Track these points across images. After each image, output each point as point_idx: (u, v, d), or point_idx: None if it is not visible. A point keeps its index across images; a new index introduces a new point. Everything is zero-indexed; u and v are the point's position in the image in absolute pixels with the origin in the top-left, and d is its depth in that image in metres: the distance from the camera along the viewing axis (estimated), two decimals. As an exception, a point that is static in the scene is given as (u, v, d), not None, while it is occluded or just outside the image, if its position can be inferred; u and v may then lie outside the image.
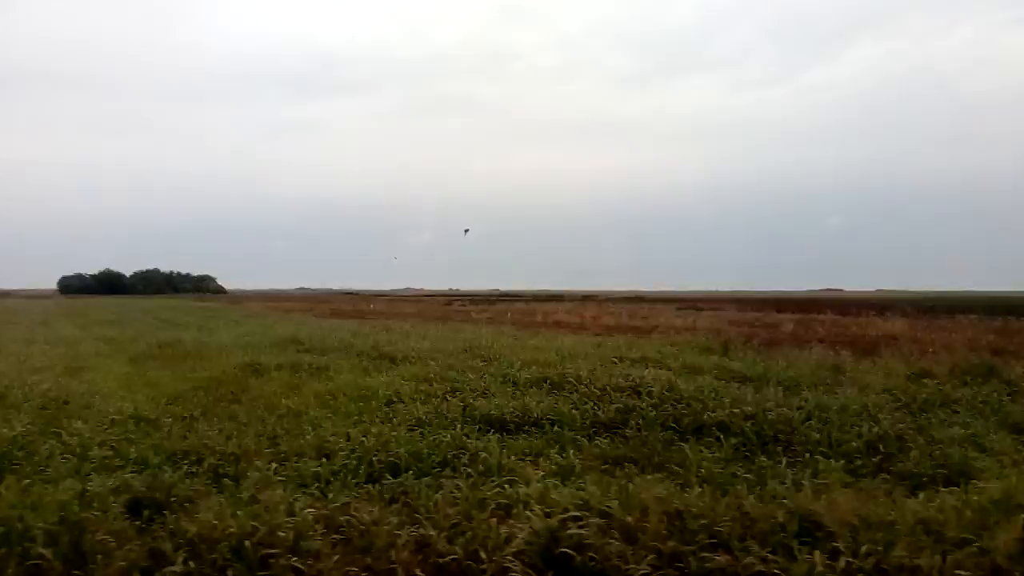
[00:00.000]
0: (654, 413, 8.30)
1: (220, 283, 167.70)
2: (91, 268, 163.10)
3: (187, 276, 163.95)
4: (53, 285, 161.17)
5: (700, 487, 5.38)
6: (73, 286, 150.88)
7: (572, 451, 6.96)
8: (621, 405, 8.73)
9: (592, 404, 9.07)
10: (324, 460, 6.51)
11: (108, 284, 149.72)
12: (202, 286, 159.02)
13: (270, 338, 20.44)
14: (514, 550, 4.21)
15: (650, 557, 4.10)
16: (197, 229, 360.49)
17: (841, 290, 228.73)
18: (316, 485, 5.76)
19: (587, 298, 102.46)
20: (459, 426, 8.00)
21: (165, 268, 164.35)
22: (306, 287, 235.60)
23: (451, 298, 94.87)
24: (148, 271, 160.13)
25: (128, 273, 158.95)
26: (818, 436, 7.38)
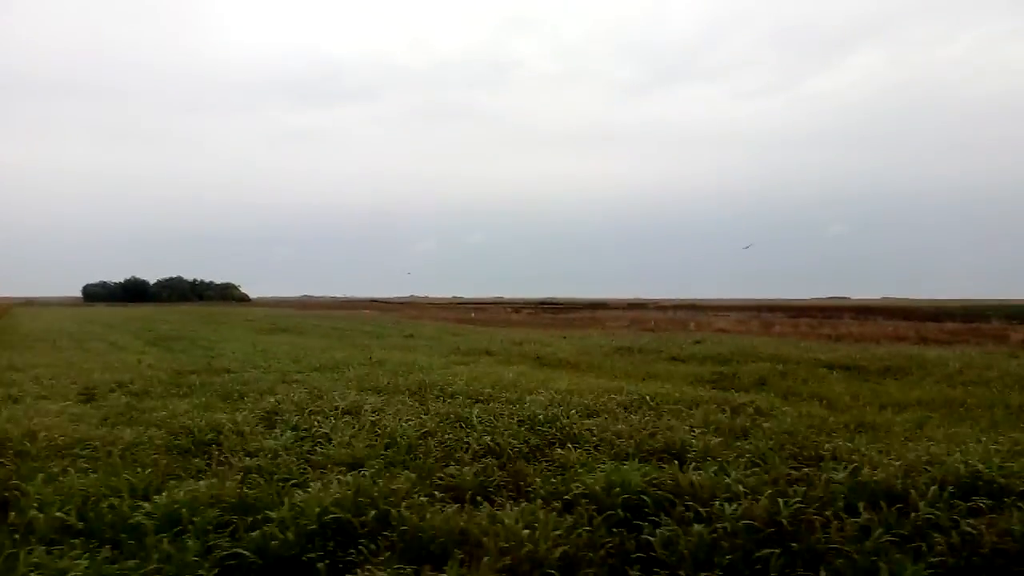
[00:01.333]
0: None
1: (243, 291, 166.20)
2: (97, 275, 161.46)
3: (210, 284, 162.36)
4: (74, 293, 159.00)
5: None
6: (99, 294, 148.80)
7: None
8: None
9: None
10: None
11: (134, 291, 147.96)
12: (227, 294, 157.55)
13: (598, 345, 20.71)
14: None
15: None
16: (198, 236, 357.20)
17: (848, 298, 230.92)
18: None
19: (633, 306, 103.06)
20: None
21: (187, 276, 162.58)
22: (310, 295, 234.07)
23: (515, 306, 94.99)
24: (171, 279, 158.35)
25: (151, 280, 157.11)
26: None
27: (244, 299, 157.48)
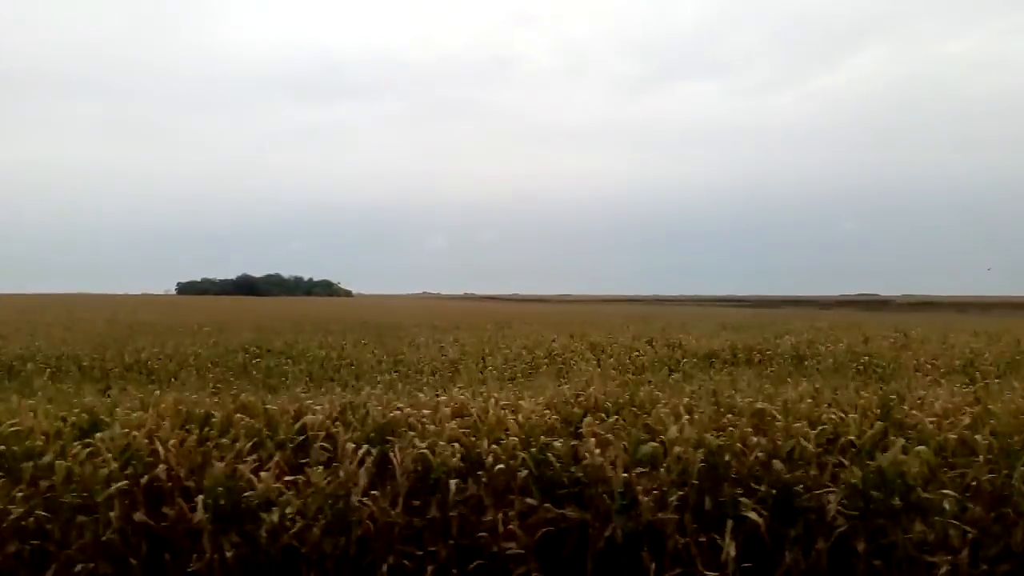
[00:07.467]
0: None
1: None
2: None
3: (310, 281, 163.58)
4: (162, 290, 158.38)
5: None
6: (208, 290, 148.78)
7: None
8: None
9: None
10: None
11: (246, 288, 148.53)
12: (333, 290, 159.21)
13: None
14: None
15: None
16: (202, 232, 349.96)
17: (876, 295, 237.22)
18: None
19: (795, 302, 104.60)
20: None
21: (285, 273, 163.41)
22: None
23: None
24: (272, 275, 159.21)
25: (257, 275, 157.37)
26: None
27: (347, 295, 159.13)
